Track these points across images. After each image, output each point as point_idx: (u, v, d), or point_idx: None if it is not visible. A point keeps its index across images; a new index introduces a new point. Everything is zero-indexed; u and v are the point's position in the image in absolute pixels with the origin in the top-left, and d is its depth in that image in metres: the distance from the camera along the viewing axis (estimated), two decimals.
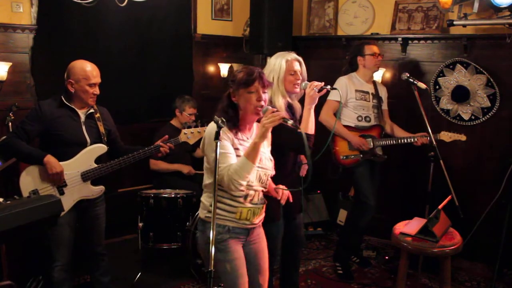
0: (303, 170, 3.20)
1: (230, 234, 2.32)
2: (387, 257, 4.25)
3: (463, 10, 3.64)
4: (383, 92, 3.96)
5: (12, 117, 3.59)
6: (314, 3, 5.11)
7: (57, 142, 2.82)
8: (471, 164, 4.20)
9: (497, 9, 3.43)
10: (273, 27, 4.49)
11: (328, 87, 2.72)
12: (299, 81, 2.80)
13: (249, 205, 2.34)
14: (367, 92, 3.84)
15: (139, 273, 3.70)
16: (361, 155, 3.80)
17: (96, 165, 2.91)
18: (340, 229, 4.58)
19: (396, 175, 4.56)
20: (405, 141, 3.78)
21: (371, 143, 3.79)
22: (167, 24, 4.58)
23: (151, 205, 3.64)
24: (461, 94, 4.14)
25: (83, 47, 3.95)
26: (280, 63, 2.78)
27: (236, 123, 2.33)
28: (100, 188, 2.98)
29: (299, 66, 2.83)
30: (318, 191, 4.89)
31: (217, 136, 2.12)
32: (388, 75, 4.59)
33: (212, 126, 2.29)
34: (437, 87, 4.27)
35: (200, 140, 2.58)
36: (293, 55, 2.83)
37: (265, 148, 2.43)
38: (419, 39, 4.40)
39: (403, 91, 4.13)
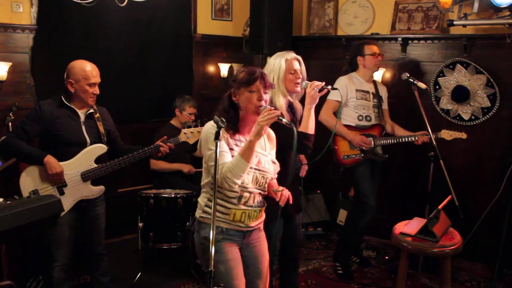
0: (303, 171, 3.20)
1: (224, 235, 2.30)
2: (387, 257, 4.25)
3: (463, 10, 3.64)
4: (383, 92, 3.96)
5: (12, 117, 3.59)
6: (314, 3, 5.11)
7: (57, 142, 2.82)
8: (471, 164, 4.20)
9: (497, 9, 3.43)
10: (273, 27, 4.49)
11: (329, 87, 2.71)
12: (299, 80, 2.80)
13: (243, 207, 2.30)
14: (368, 92, 3.84)
15: (139, 273, 3.70)
16: (362, 155, 3.80)
17: (96, 165, 2.91)
18: (340, 229, 4.58)
19: (396, 175, 4.56)
20: (406, 140, 3.77)
21: (372, 142, 3.80)
22: (167, 24, 4.58)
23: (151, 205, 3.64)
24: (461, 94, 4.13)
25: (83, 47, 3.96)
26: (280, 63, 2.78)
27: (236, 124, 2.31)
28: (100, 188, 2.98)
29: (299, 65, 2.83)
30: (318, 191, 4.88)
31: (217, 136, 2.10)
32: (388, 75, 4.58)
33: (208, 126, 2.28)
34: (437, 87, 4.27)
35: None
36: (292, 54, 2.83)
37: (267, 151, 2.41)
38: (419, 39, 4.39)
39: (403, 91, 4.13)
